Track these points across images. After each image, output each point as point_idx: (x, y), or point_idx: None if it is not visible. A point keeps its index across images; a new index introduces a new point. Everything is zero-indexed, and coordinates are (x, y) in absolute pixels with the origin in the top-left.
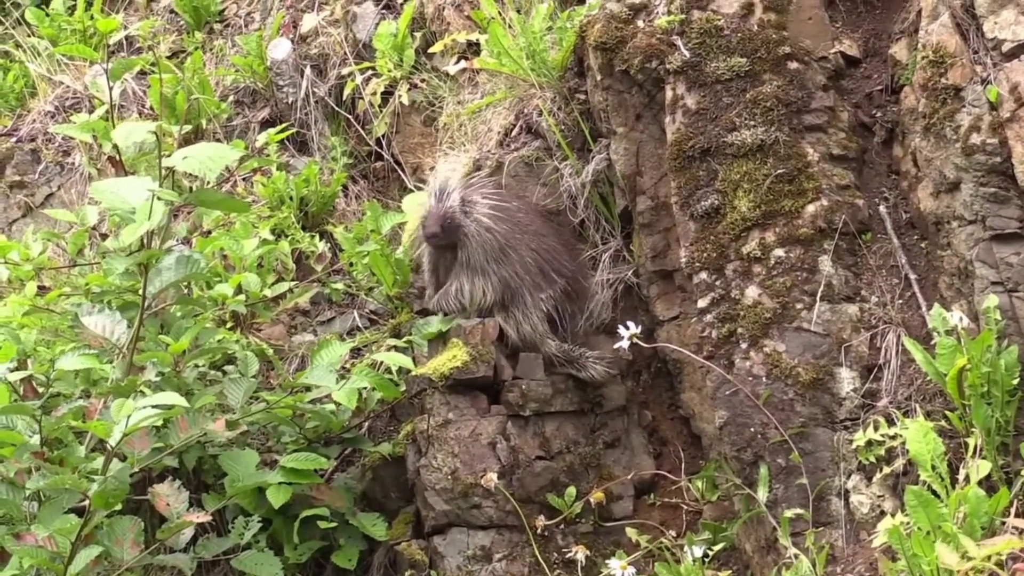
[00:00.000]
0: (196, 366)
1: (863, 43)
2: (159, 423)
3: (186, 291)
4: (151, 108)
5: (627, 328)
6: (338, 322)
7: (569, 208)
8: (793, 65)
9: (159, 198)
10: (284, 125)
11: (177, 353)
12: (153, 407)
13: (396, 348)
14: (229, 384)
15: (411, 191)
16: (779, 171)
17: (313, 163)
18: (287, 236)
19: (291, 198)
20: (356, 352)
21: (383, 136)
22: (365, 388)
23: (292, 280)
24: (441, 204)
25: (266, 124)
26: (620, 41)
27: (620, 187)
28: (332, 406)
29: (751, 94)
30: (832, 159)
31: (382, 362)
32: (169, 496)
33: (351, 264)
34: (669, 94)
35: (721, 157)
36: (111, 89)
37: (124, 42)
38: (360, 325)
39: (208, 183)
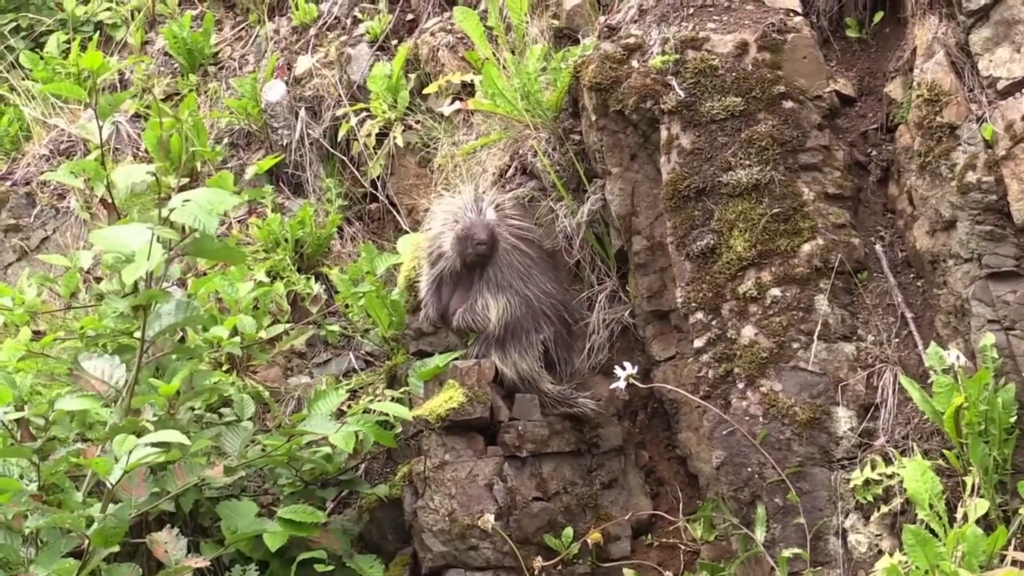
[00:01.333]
0: (191, 408)
1: (858, 82)
2: (160, 460)
3: (180, 336)
4: (146, 151)
5: (623, 368)
6: (334, 364)
7: (565, 248)
8: (788, 104)
9: (159, 239)
10: (275, 154)
11: (171, 395)
12: (152, 445)
13: (393, 398)
14: (226, 431)
15: (406, 232)
16: (775, 210)
17: (308, 205)
18: (282, 278)
19: (286, 240)
20: (353, 393)
21: (378, 178)
22: (361, 431)
23: (287, 322)
24: (483, 216)
25: None
26: (615, 81)
27: (616, 227)
28: (328, 450)
29: (746, 133)
30: (827, 198)
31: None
32: (167, 543)
33: (347, 306)
34: (664, 134)
35: (717, 197)
36: (100, 128)
37: (118, 85)
38: (356, 367)
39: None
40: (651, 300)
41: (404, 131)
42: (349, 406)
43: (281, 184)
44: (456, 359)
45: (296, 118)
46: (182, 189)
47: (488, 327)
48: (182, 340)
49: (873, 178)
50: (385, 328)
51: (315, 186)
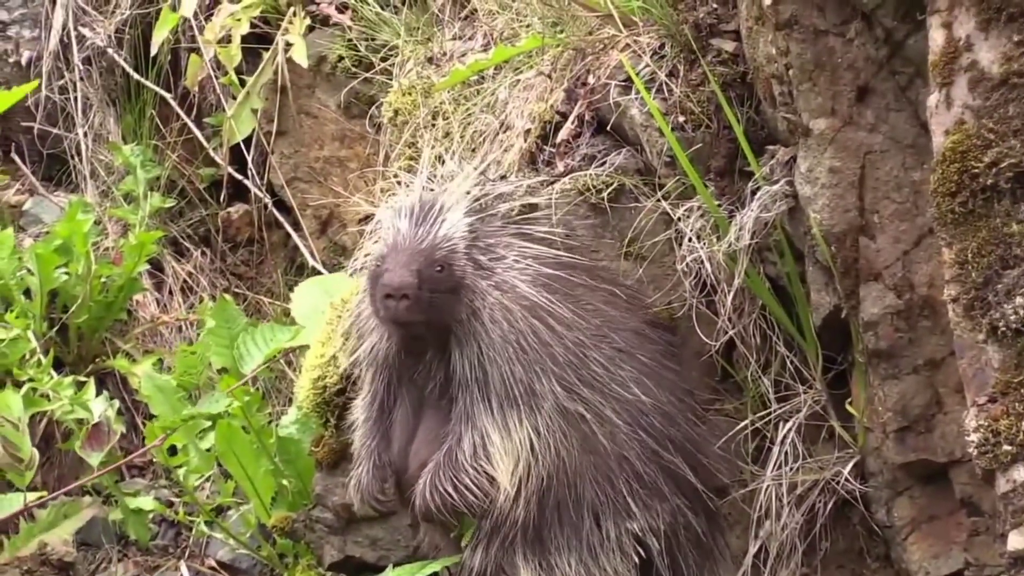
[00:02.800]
0: None
1: None
2: None
3: None
4: None
5: None
6: None
7: (697, 313)
8: None
9: None
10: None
11: None
12: None
13: None
14: None
15: (312, 272)
16: None
17: (81, 206)
18: (19, 383)
19: (28, 294)
20: None
21: (248, 143)
22: None
23: (30, 489)
24: (425, 228)
25: None
26: None
27: (820, 262)
28: None
29: None
30: None
31: None
32: None
33: (172, 451)
34: (939, 39)
35: None
36: None
37: None
38: None
39: None
40: (904, 438)
41: (308, 31)
42: None
43: (18, 158)
44: None
45: (53, 5)
46: None
47: (496, 504)
48: None
49: None
50: (264, 505)
51: (98, 163)
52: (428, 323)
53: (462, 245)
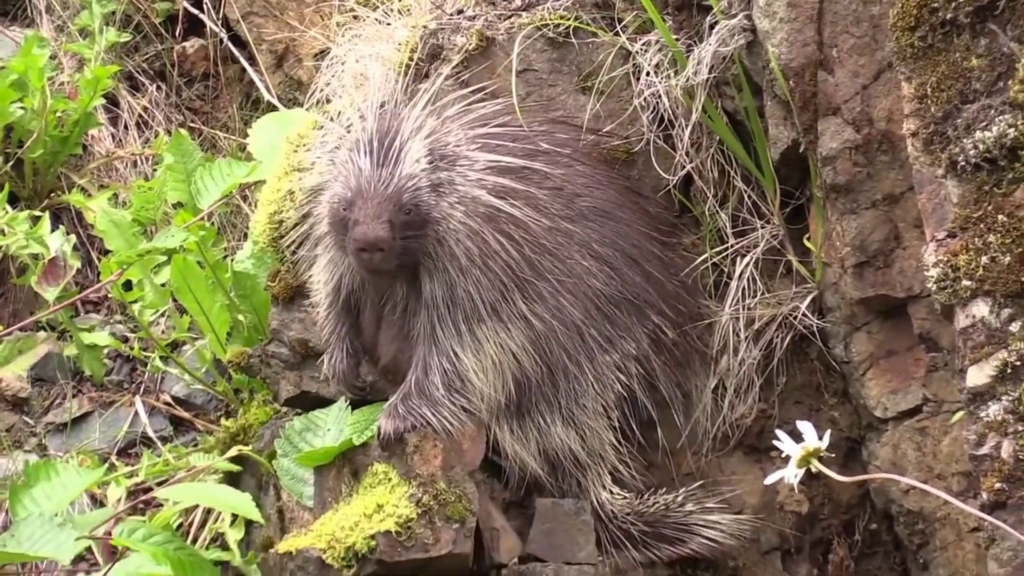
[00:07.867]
0: None
1: None
2: None
3: None
4: None
5: (795, 438)
6: (99, 422)
7: (655, 147)
8: None
9: None
10: None
11: None
12: None
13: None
14: None
15: (268, 106)
16: None
17: (36, 41)
18: None
19: None
20: (145, 504)
21: None
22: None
23: None
24: (388, 168)
25: None
26: None
27: (778, 96)
28: None
29: None
30: None
31: (203, 511)
32: None
33: (127, 286)
34: None
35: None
36: None
37: None
38: (152, 431)
39: None
40: (863, 273)
41: None
42: (139, 516)
43: None
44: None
45: None
46: None
47: (460, 417)
48: None
49: None
50: (220, 341)
51: None
52: (401, 266)
53: (424, 179)
